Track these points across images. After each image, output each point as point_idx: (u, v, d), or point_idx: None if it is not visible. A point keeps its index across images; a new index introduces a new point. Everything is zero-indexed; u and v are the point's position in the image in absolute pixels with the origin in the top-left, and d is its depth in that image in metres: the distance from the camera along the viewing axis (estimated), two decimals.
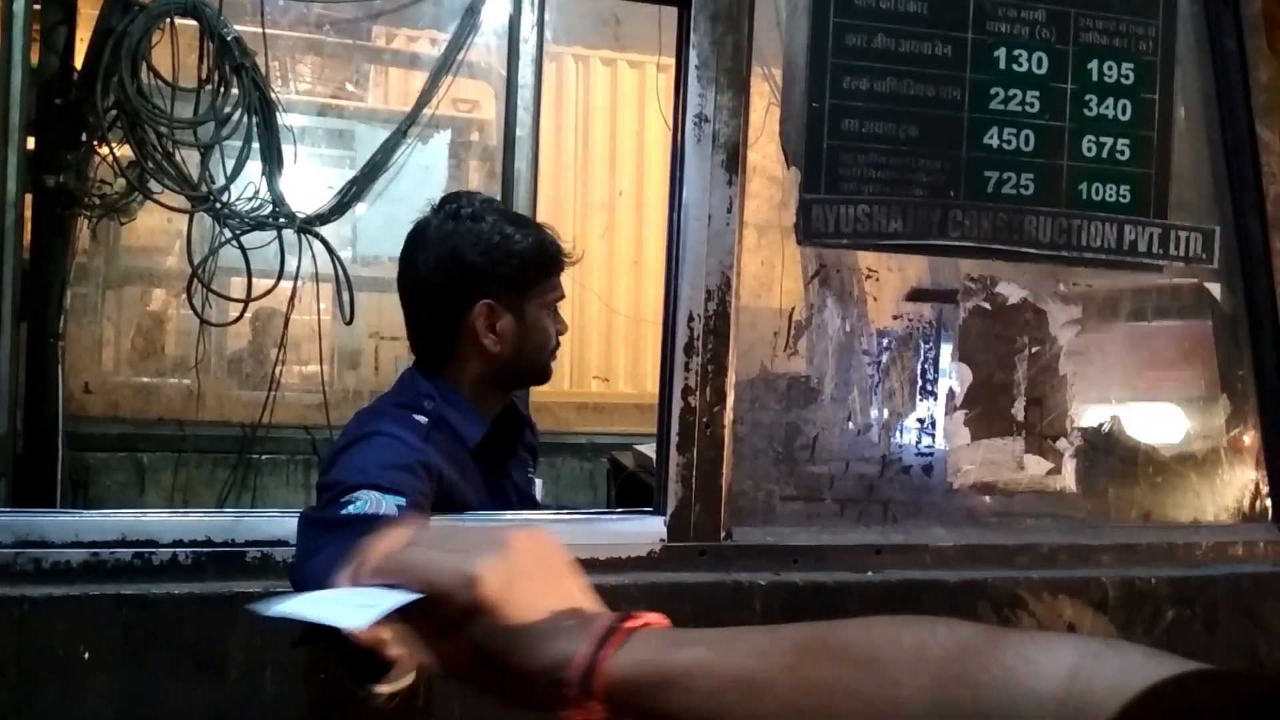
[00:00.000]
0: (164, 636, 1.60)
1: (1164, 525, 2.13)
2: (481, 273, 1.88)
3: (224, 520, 1.67)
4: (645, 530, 1.83)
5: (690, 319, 1.83)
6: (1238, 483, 2.18)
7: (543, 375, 2.04)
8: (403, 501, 1.58)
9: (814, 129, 1.95)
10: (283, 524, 1.69)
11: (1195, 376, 2.19)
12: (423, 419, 1.79)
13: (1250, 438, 2.18)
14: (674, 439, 1.83)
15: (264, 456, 3.62)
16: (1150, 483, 2.14)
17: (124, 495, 3.49)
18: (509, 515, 1.91)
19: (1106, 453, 2.11)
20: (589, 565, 1.74)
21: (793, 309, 1.94)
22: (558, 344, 2.00)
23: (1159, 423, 2.16)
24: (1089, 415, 2.10)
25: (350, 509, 1.52)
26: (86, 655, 1.57)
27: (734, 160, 1.85)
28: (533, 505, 2.10)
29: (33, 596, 1.56)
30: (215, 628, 1.62)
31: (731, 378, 1.85)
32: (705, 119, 1.84)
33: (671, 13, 1.90)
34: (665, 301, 1.88)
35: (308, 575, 1.45)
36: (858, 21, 1.96)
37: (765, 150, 1.93)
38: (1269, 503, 2.18)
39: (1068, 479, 2.08)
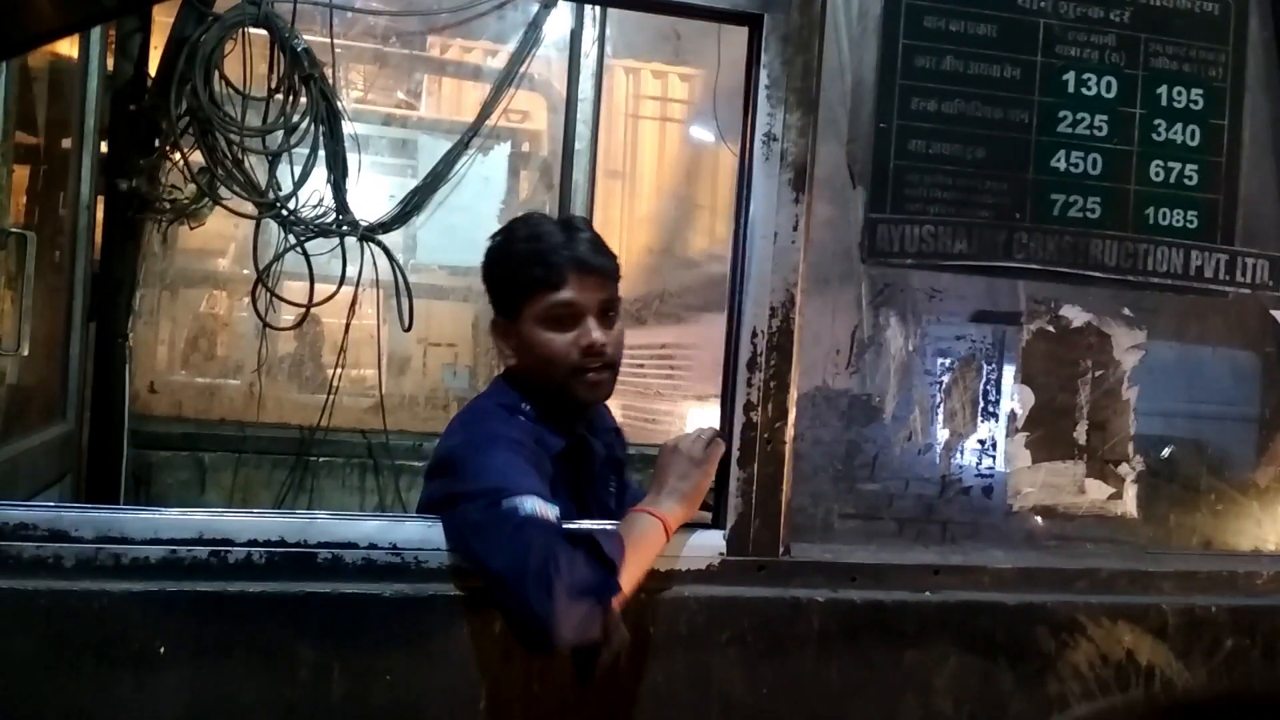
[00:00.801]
0: (237, 634, 1.64)
1: (1225, 554, 2.11)
2: (489, 290, 1.93)
3: (297, 521, 1.71)
4: (705, 544, 1.84)
5: (754, 335, 1.85)
6: None
7: (564, 393, 1.86)
8: (558, 510, 1.64)
9: (881, 149, 1.96)
10: (353, 527, 1.72)
11: (1259, 403, 2.17)
12: (525, 420, 1.83)
13: None
14: (735, 454, 1.85)
15: (321, 459, 3.68)
16: (1211, 510, 2.12)
17: (185, 493, 3.56)
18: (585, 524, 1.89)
19: (1168, 479, 2.10)
20: (649, 577, 1.77)
21: (855, 327, 1.96)
22: (581, 360, 1.82)
23: (1221, 450, 2.15)
24: (1151, 440, 2.09)
25: (524, 508, 1.58)
26: (162, 650, 1.61)
27: (801, 179, 1.86)
28: (608, 516, 2.08)
29: (112, 591, 1.61)
30: (287, 627, 1.65)
31: (793, 394, 1.86)
32: (774, 138, 1.86)
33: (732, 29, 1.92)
34: (729, 317, 1.90)
35: (509, 565, 1.53)
36: (927, 43, 1.97)
37: (831, 169, 1.94)
38: None
39: (1129, 504, 2.07)
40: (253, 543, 1.68)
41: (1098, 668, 1.94)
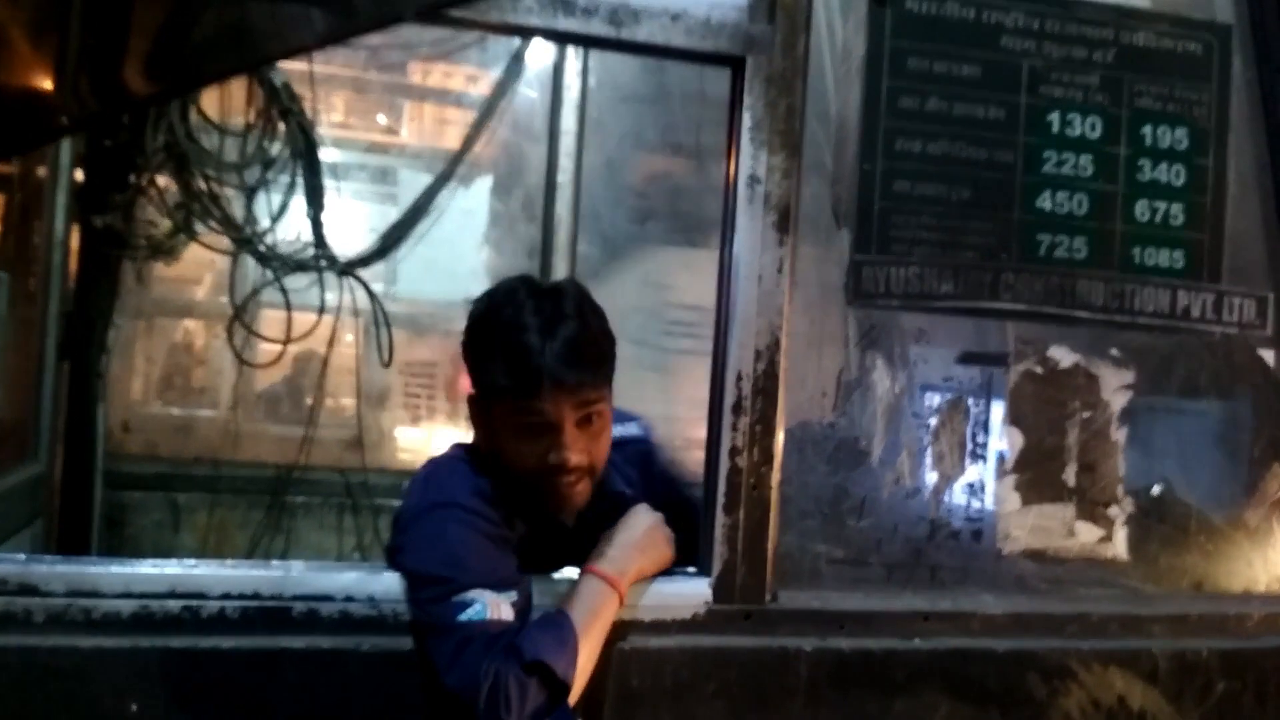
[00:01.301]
0: (211, 691, 1.60)
1: (1215, 595, 2.09)
2: (466, 365, 1.78)
3: (272, 574, 1.67)
4: (690, 592, 1.81)
5: (739, 378, 1.82)
6: None
7: (538, 499, 1.72)
8: (515, 596, 1.59)
9: (865, 190, 1.95)
10: (330, 578, 1.68)
11: (1248, 443, 2.15)
12: (488, 483, 1.71)
13: None
14: (720, 499, 1.82)
15: (298, 499, 3.63)
16: (1202, 551, 2.10)
17: (159, 536, 3.50)
18: (558, 575, 1.84)
19: (1158, 520, 2.09)
20: (633, 627, 1.73)
21: (841, 369, 1.93)
22: (553, 476, 1.67)
23: (1211, 491, 2.13)
24: (1140, 482, 2.08)
25: (471, 614, 1.53)
26: (135, 708, 1.57)
27: (785, 221, 1.84)
28: None
29: (83, 648, 1.56)
30: (262, 683, 1.61)
31: (779, 438, 1.83)
32: (757, 180, 1.84)
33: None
34: (713, 360, 1.87)
35: (460, 685, 1.49)
36: (911, 84, 1.96)
37: (815, 211, 1.93)
38: None
39: (1119, 547, 2.05)
40: (226, 596, 1.64)
41: (1089, 714, 1.92)
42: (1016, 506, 2.00)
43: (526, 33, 2.01)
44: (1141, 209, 2.06)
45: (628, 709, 1.72)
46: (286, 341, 3.32)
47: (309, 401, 3.61)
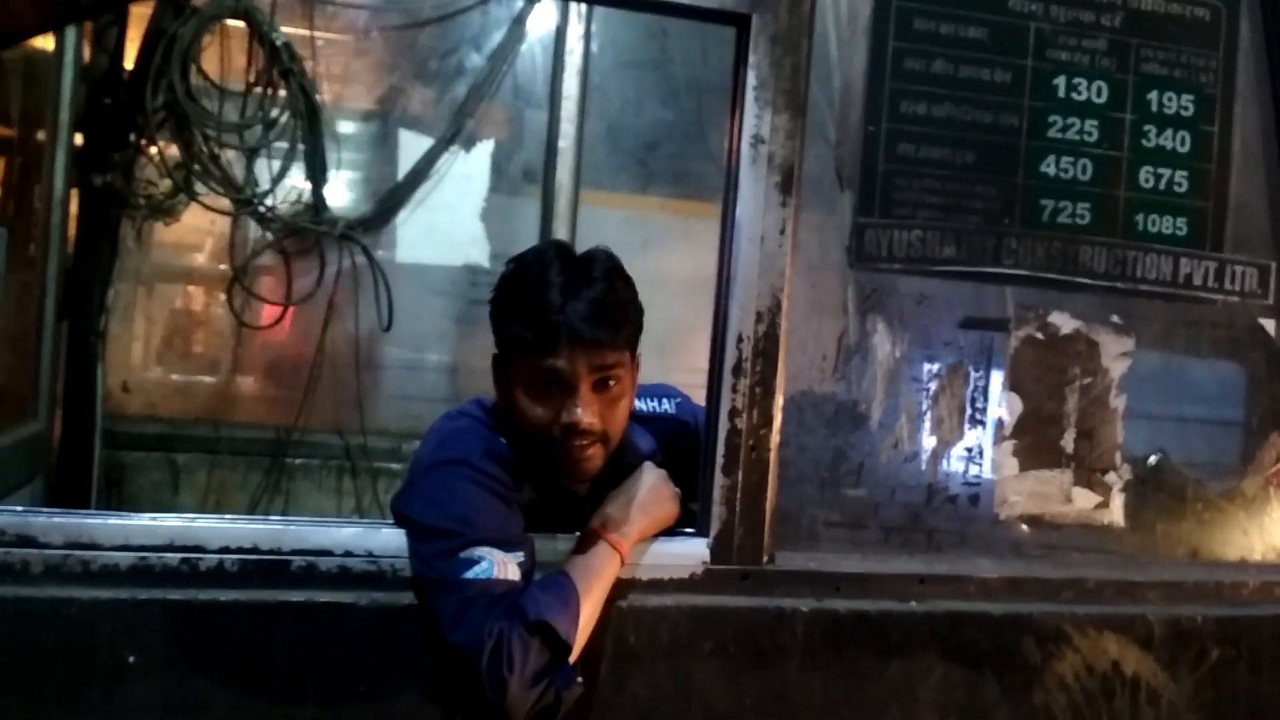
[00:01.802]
0: (209, 643, 1.60)
1: (1211, 563, 2.10)
2: (491, 324, 1.78)
3: (270, 528, 1.66)
4: (688, 552, 1.81)
5: (739, 340, 1.82)
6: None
7: (550, 463, 1.72)
8: (521, 556, 1.60)
9: (869, 153, 1.93)
10: (329, 534, 1.68)
11: (1246, 413, 2.15)
12: (504, 444, 1.72)
13: None
14: (719, 461, 1.82)
15: (297, 461, 3.63)
16: (1198, 519, 2.11)
17: (158, 495, 3.51)
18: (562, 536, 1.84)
19: (1155, 488, 2.09)
20: (631, 586, 1.74)
21: (842, 333, 1.93)
22: (562, 436, 1.67)
23: (1209, 459, 2.13)
24: (1139, 449, 2.07)
25: (477, 571, 1.55)
26: (132, 659, 1.57)
27: (789, 182, 1.83)
28: None
29: (80, 599, 1.56)
30: (260, 636, 1.61)
31: (778, 400, 1.83)
32: (761, 140, 1.83)
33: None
34: (714, 322, 1.87)
35: (463, 643, 1.50)
36: (917, 46, 1.95)
37: (819, 173, 1.91)
38: None
39: (1116, 513, 2.05)
40: (225, 550, 1.64)
41: (1083, 678, 1.92)
42: (1014, 472, 2.00)
43: None
44: (1146, 175, 2.05)
45: (625, 666, 1.73)
46: (286, 304, 3.31)
47: (309, 364, 3.60)
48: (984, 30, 1.97)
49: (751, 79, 1.83)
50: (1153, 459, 2.11)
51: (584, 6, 3.62)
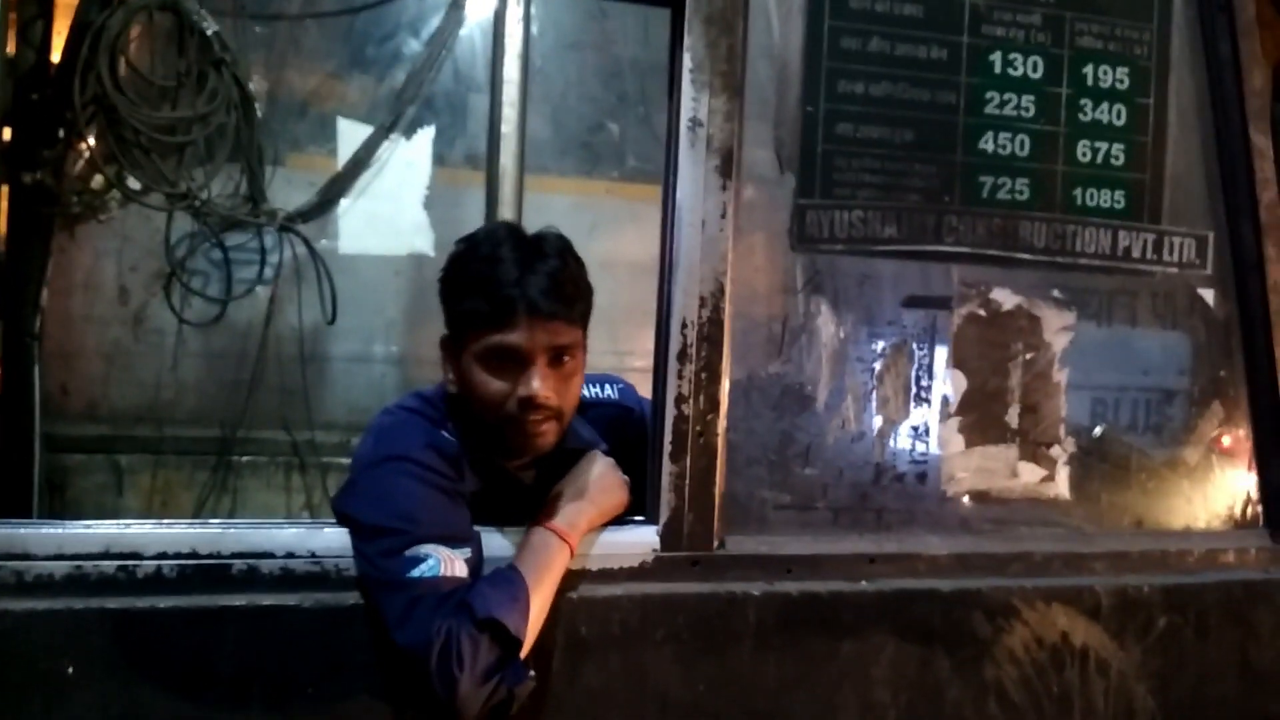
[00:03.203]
0: (149, 651, 1.57)
1: (1156, 532, 2.12)
2: (441, 302, 1.76)
3: (209, 532, 1.63)
4: (638, 540, 1.80)
5: (684, 326, 1.81)
6: (1229, 489, 2.18)
7: (501, 442, 1.71)
8: (469, 552, 1.59)
9: (808, 133, 1.93)
10: (269, 535, 1.65)
11: (1188, 382, 2.18)
12: (447, 439, 1.71)
13: (1242, 444, 2.17)
14: (667, 447, 1.81)
15: (244, 459, 3.57)
16: (1143, 489, 2.13)
17: (102, 498, 3.44)
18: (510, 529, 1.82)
19: (1099, 459, 2.11)
20: (581, 576, 1.73)
21: (786, 315, 1.92)
22: (518, 410, 1.66)
23: (1151, 429, 2.15)
24: (1081, 422, 2.09)
25: (423, 569, 1.53)
26: (70, 670, 1.53)
27: (728, 165, 1.82)
28: None
29: (15, 611, 1.52)
30: (202, 641, 1.58)
31: (725, 385, 1.83)
32: (699, 123, 1.81)
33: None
34: (658, 307, 1.86)
35: (412, 643, 1.49)
36: (853, 24, 1.94)
37: (758, 155, 1.90)
38: (1260, 509, 2.18)
39: (1061, 486, 2.07)
40: (163, 555, 1.61)
41: (1033, 651, 1.94)
42: (960, 449, 2.01)
43: None
44: (1083, 149, 2.06)
45: (577, 658, 1.72)
46: (226, 299, 3.25)
47: (252, 360, 3.54)
48: (920, 7, 1.97)
49: (688, 61, 1.81)
50: (1097, 432, 2.13)
51: None
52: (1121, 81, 2.08)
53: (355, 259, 3.62)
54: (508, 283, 1.64)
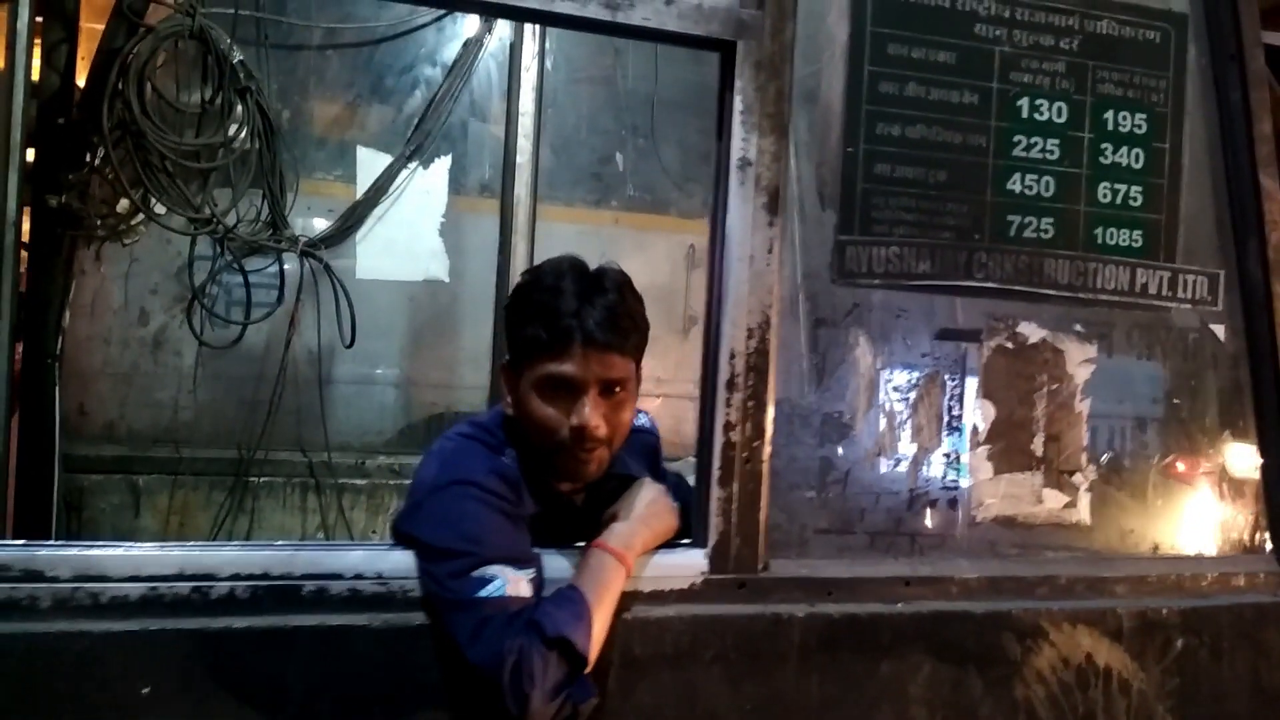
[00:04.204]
0: (223, 671, 1.61)
1: (1172, 557, 2.21)
2: (505, 331, 1.85)
3: (281, 554, 1.68)
4: (687, 563, 1.87)
5: (732, 356, 1.88)
6: (1239, 517, 2.27)
7: (554, 467, 1.78)
8: (533, 573, 1.65)
9: (848, 173, 2.01)
10: (338, 557, 1.70)
11: (1199, 414, 2.27)
12: (508, 465, 1.77)
13: (1251, 474, 2.27)
14: (715, 473, 1.87)
15: (261, 479, 3.60)
16: (1159, 516, 2.22)
17: (119, 519, 3.45)
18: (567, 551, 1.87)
19: (1118, 487, 2.19)
20: (635, 598, 1.79)
21: (827, 347, 2.00)
22: (571, 439, 1.72)
23: (1167, 458, 2.25)
24: (1101, 449, 2.18)
25: (491, 590, 1.59)
26: (145, 691, 1.57)
27: (774, 202, 1.90)
28: None
29: (93, 632, 1.56)
30: (274, 661, 1.62)
31: (770, 413, 1.90)
32: (748, 162, 1.89)
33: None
34: (705, 338, 1.92)
35: (484, 660, 1.55)
36: (891, 70, 2.03)
37: (802, 193, 1.98)
38: (1267, 535, 2.27)
39: (1083, 512, 2.16)
40: (236, 576, 1.64)
41: (1060, 671, 2.02)
42: (989, 475, 2.10)
43: (525, 16, 2.03)
44: (1103, 191, 2.16)
45: (631, 676, 1.78)
46: (246, 322, 3.29)
47: (270, 382, 3.58)
48: (953, 54, 2.06)
49: (738, 103, 1.89)
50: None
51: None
52: (1140, 127, 2.18)
53: (372, 284, 3.67)
54: (567, 313, 1.71)
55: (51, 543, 1.64)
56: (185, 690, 1.59)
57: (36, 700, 1.54)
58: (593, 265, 1.82)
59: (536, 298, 1.76)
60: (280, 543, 1.75)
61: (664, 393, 3.42)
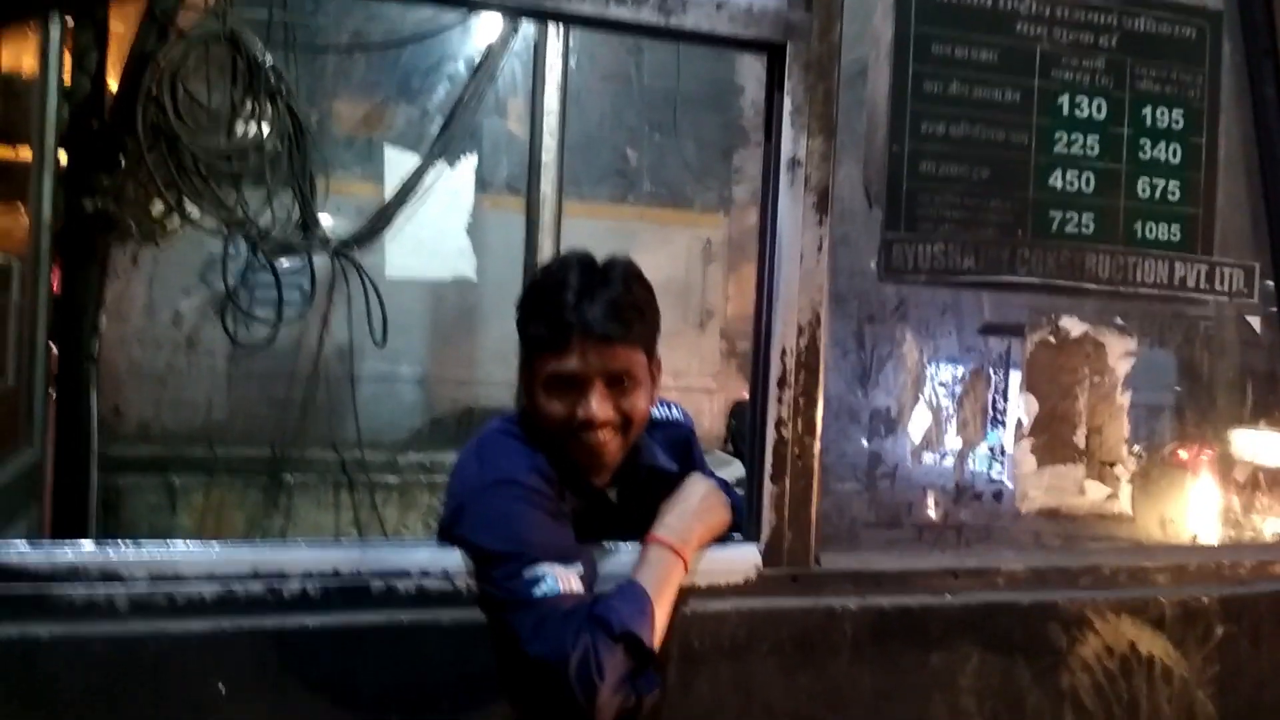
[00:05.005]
0: (298, 669, 1.63)
1: (1211, 546, 2.24)
2: (518, 324, 1.84)
3: (350, 552, 1.70)
4: (742, 558, 1.89)
5: (783, 353, 1.90)
6: (1276, 504, 2.30)
7: (574, 461, 1.78)
8: (580, 568, 1.67)
9: (894, 171, 2.04)
10: (406, 555, 1.73)
11: (1235, 405, 2.31)
12: (544, 458, 1.78)
13: None
14: (767, 469, 1.90)
15: (295, 477, 3.63)
16: (1198, 505, 2.25)
17: (155, 518, 3.48)
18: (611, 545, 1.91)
19: (1158, 477, 2.23)
20: (692, 592, 1.81)
21: (875, 343, 2.03)
22: (577, 432, 1.74)
23: (1205, 448, 2.28)
24: (1141, 441, 2.22)
25: (544, 589, 1.60)
26: (223, 690, 1.60)
27: (824, 202, 1.92)
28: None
29: (170, 632, 1.59)
30: (345, 658, 1.65)
31: (820, 409, 1.93)
32: (798, 162, 1.91)
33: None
34: (755, 336, 1.95)
35: (546, 655, 1.56)
36: (935, 69, 2.06)
37: (849, 192, 2.01)
38: None
39: (1124, 503, 2.19)
40: (308, 575, 1.67)
41: (1105, 660, 2.05)
42: (1033, 468, 2.13)
43: (577, 21, 2.05)
44: (1142, 186, 2.19)
45: (690, 669, 1.81)
46: (279, 322, 3.31)
47: (303, 381, 3.61)
48: (995, 53, 2.09)
49: (788, 105, 1.91)
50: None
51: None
52: (1177, 122, 2.21)
53: (401, 283, 3.70)
54: (566, 309, 1.71)
55: (126, 543, 1.66)
56: (262, 690, 1.62)
57: (115, 701, 1.57)
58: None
59: (540, 296, 1.78)
60: (347, 541, 1.78)
61: (680, 385, 3.45)
